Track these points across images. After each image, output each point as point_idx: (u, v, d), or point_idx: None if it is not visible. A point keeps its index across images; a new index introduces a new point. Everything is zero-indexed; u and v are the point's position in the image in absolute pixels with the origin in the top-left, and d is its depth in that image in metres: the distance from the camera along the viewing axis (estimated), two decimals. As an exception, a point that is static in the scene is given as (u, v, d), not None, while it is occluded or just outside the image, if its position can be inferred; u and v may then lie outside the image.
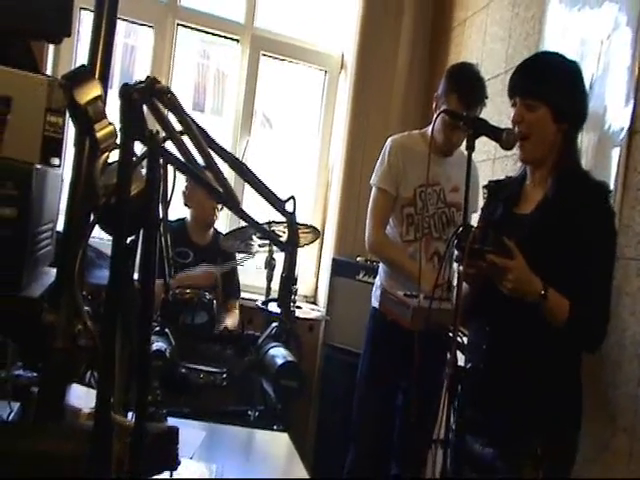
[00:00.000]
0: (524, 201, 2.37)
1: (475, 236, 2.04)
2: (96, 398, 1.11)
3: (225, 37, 5.05)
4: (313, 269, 5.14)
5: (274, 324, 2.42)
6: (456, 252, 2.10)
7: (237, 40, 4.99)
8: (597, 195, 2.24)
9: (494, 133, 2.27)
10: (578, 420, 2.24)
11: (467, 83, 3.28)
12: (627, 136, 2.67)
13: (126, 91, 1.15)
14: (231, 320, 4.10)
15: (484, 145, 3.67)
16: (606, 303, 2.20)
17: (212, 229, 4.27)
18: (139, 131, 1.15)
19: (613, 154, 2.75)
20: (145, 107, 1.26)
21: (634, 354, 2.51)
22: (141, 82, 1.25)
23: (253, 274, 4.49)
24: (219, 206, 4.14)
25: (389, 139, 3.50)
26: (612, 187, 2.62)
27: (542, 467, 2.10)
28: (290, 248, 1.74)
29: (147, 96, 1.25)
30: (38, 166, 1.48)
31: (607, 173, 2.72)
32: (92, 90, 1.28)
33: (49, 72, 4.02)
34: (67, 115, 1.47)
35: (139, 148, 1.23)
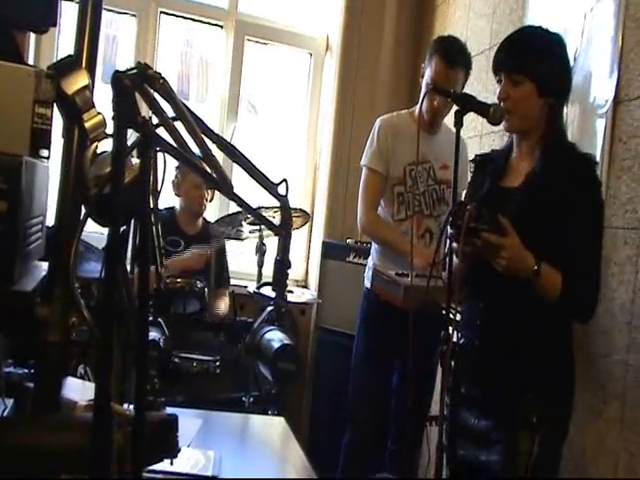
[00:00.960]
0: (510, 174, 2.38)
1: (470, 214, 2.04)
2: (95, 388, 1.11)
3: (209, 23, 5.02)
4: (303, 253, 5.14)
5: (269, 308, 2.42)
6: (450, 230, 2.10)
7: (221, 26, 4.95)
8: (583, 167, 2.25)
9: (481, 109, 2.27)
10: (571, 389, 2.27)
11: (448, 43, 3.33)
12: (612, 107, 2.69)
13: (118, 78, 1.14)
14: (222, 307, 4.10)
15: (471, 121, 3.67)
16: (596, 274, 2.21)
17: (201, 218, 4.26)
18: (131, 118, 1.14)
19: (598, 125, 2.76)
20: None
21: (623, 322, 2.54)
22: (132, 68, 1.24)
23: (243, 261, 4.48)
24: (208, 197, 4.13)
25: (378, 119, 3.50)
26: (598, 158, 2.64)
27: (538, 435, 2.12)
28: (284, 231, 1.74)
29: (139, 83, 1.24)
30: (27, 159, 1.46)
31: (593, 144, 2.74)
32: (79, 80, 1.27)
33: (31, 63, 3.98)
34: (55, 106, 1.45)
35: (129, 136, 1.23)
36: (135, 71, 1.23)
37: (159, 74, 1.28)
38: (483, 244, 2.09)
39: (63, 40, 4.28)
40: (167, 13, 4.84)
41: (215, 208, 4.74)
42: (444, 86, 3.05)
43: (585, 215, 2.19)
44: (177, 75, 7.01)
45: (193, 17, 4.97)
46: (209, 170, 1.43)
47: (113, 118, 1.13)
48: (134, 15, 4.70)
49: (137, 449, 1.12)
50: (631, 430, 2.46)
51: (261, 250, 3.69)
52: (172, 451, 1.38)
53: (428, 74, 3.26)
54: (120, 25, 5.29)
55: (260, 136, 5.33)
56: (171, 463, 1.41)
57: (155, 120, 1.29)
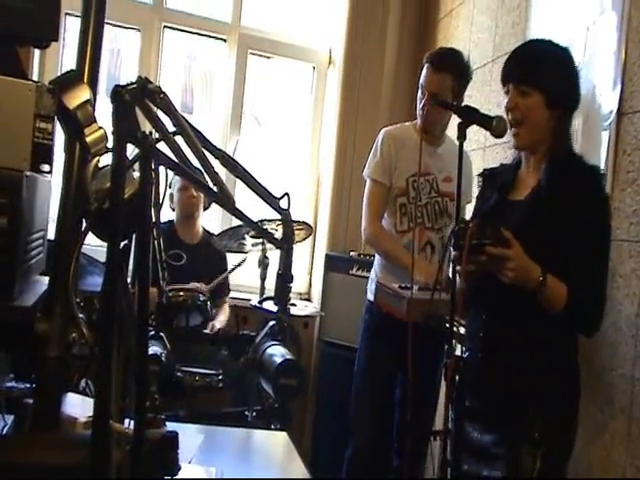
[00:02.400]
0: (518, 187, 2.37)
1: (472, 232, 2.03)
2: (94, 406, 1.09)
3: (212, 37, 5.04)
4: (306, 266, 5.13)
5: (271, 322, 2.40)
6: (454, 252, 2.10)
7: (224, 39, 4.97)
8: (591, 179, 2.25)
9: (484, 121, 2.27)
10: (576, 404, 2.24)
11: (438, 50, 3.41)
12: (616, 119, 2.68)
13: (118, 92, 1.14)
14: (222, 319, 4.08)
15: (475, 134, 3.68)
16: (602, 288, 2.20)
17: (201, 227, 4.26)
18: (131, 133, 1.14)
19: (603, 137, 2.76)
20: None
21: (629, 335, 2.52)
22: (133, 83, 1.24)
23: (246, 274, 4.47)
24: (199, 199, 4.12)
25: (381, 130, 3.51)
26: (602, 170, 2.62)
27: (540, 451, 2.11)
28: (286, 245, 1.73)
29: (139, 97, 1.23)
30: (28, 173, 1.46)
31: (597, 156, 2.73)
32: (81, 94, 1.26)
33: (35, 78, 4.00)
34: (56, 121, 1.45)
35: (130, 151, 1.22)
36: (135, 85, 1.22)
37: (159, 88, 1.28)
38: (488, 259, 2.08)
39: (68, 55, 4.30)
40: (171, 27, 4.85)
41: (217, 221, 4.74)
42: (431, 90, 3.08)
43: (592, 228, 2.18)
44: (181, 88, 7.03)
45: (196, 31, 4.99)
46: (211, 184, 1.42)
47: (113, 133, 1.12)
48: (138, 30, 4.72)
49: (136, 467, 1.11)
50: (638, 445, 2.44)
51: (264, 263, 3.67)
52: (172, 469, 1.36)
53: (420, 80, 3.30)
54: (124, 39, 5.31)
55: (264, 149, 5.33)
56: (171, 480, 1.40)
57: (156, 135, 1.29)
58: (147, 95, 1.26)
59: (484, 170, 2.56)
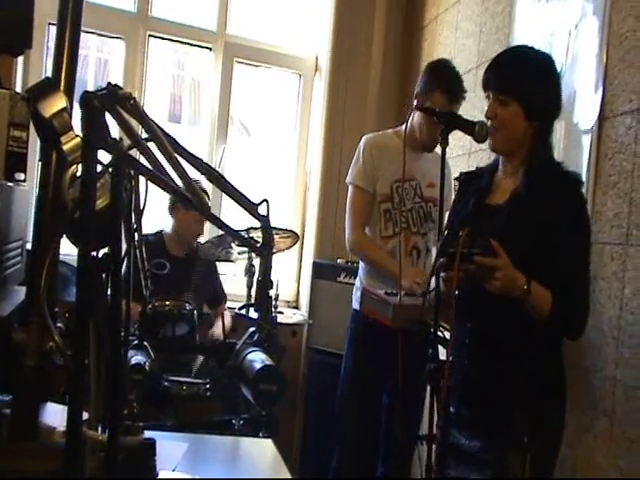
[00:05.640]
0: (495, 191, 2.37)
1: (464, 241, 2.03)
2: (67, 414, 1.09)
3: (198, 46, 5.04)
4: (294, 274, 5.13)
5: (251, 329, 2.40)
6: (441, 259, 2.09)
7: (210, 48, 4.97)
8: (569, 184, 2.25)
9: (467, 127, 2.28)
10: (562, 407, 2.25)
11: (450, 79, 3.30)
12: (597, 123, 2.69)
13: (87, 98, 1.13)
14: (222, 325, 4.06)
15: (459, 140, 3.69)
16: (586, 291, 2.21)
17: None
18: (102, 139, 1.13)
19: (584, 141, 2.77)
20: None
21: (611, 337, 2.53)
22: (103, 89, 1.23)
23: (233, 282, 4.46)
24: (204, 222, 4.10)
25: (363, 138, 3.51)
26: (584, 174, 2.65)
27: (529, 455, 2.10)
28: (265, 252, 1.73)
29: (109, 103, 1.23)
30: (2, 182, 1.45)
31: (579, 160, 2.75)
32: (57, 102, 1.26)
33: (18, 87, 4.00)
34: (31, 129, 1.45)
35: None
36: (105, 91, 1.22)
37: (130, 94, 1.27)
38: (477, 268, 2.07)
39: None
40: (155, 36, 4.85)
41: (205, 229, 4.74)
42: None
43: (572, 232, 2.19)
44: (169, 98, 7.03)
45: (181, 40, 4.99)
46: (184, 191, 1.42)
47: (82, 139, 1.12)
48: (122, 38, 4.71)
49: (110, 474, 1.10)
50: (620, 446, 2.44)
51: (250, 271, 3.66)
52: (149, 476, 1.36)
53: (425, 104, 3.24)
54: (111, 49, 5.31)
55: (250, 157, 5.34)
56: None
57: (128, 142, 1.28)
58: (117, 101, 1.25)
59: (461, 174, 2.56)
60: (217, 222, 1.51)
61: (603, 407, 2.55)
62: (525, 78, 2.27)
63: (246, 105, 5.41)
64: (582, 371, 2.65)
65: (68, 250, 1.37)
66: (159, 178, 1.32)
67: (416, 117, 3.28)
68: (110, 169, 1.19)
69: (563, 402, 2.25)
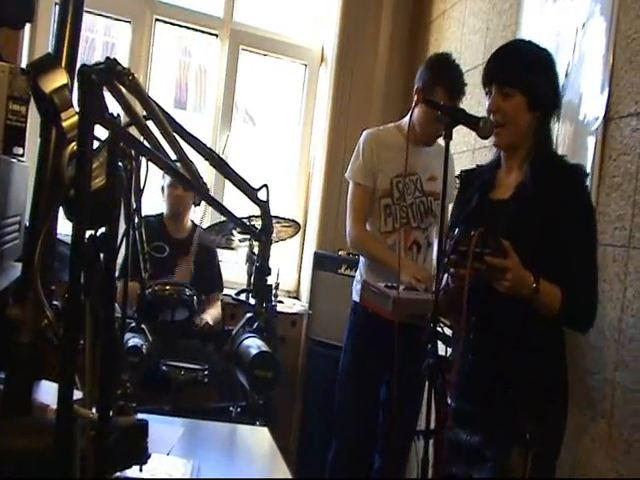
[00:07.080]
0: (499, 187, 2.36)
1: (477, 241, 2.02)
2: (58, 391, 1.08)
3: (204, 32, 5.03)
4: (295, 264, 5.13)
5: (248, 314, 2.39)
6: (453, 256, 2.08)
7: (216, 35, 4.96)
8: (574, 177, 2.25)
9: (471, 122, 2.26)
10: (565, 404, 2.25)
11: (452, 75, 3.29)
12: (602, 124, 2.68)
13: (84, 72, 1.11)
14: (213, 312, 4.07)
15: (464, 136, 3.67)
16: (594, 281, 2.22)
17: (190, 222, 4.24)
18: (99, 114, 1.12)
19: (589, 142, 2.75)
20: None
21: (612, 340, 2.52)
22: (101, 63, 1.22)
23: (234, 270, 4.46)
24: (189, 198, 4.09)
25: (364, 132, 3.50)
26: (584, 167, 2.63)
27: (531, 452, 2.10)
28: (264, 237, 1.72)
29: (107, 78, 1.21)
30: (0, 156, 1.44)
31: (583, 161, 2.72)
32: (58, 78, 1.24)
33: (24, 63, 3.99)
34: (30, 104, 1.43)
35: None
36: (103, 65, 1.20)
37: (128, 70, 1.26)
38: (487, 268, 2.06)
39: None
40: (162, 20, 4.84)
41: (206, 216, 4.73)
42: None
43: (579, 223, 2.19)
44: (175, 84, 7.02)
45: (188, 25, 4.98)
46: (183, 171, 1.41)
47: (78, 114, 1.10)
48: (129, 22, 4.69)
49: (100, 453, 1.10)
50: (617, 449, 2.43)
51: (251, 259, 3.64)
52: (141, 457, 1.35)
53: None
54: (118, 32, 5.30)
55: (254, 146, 5.33)
56: (140, 469, 1.39)
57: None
58: (116, 77, 1.24)
59: (461, 172, 2.56)
60: (215, 203, 1.50)
61: (602, 410, 2.54)
62: (527, 68, 2.28)
63: (251, 94, 5.39)
64: (581, 373, 2.64)
65: (69, 230, 1.36)
66: (157, 157, 1.31)
67: (417, 111, 3.26)
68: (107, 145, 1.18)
69: (565, 400, 2.25)
